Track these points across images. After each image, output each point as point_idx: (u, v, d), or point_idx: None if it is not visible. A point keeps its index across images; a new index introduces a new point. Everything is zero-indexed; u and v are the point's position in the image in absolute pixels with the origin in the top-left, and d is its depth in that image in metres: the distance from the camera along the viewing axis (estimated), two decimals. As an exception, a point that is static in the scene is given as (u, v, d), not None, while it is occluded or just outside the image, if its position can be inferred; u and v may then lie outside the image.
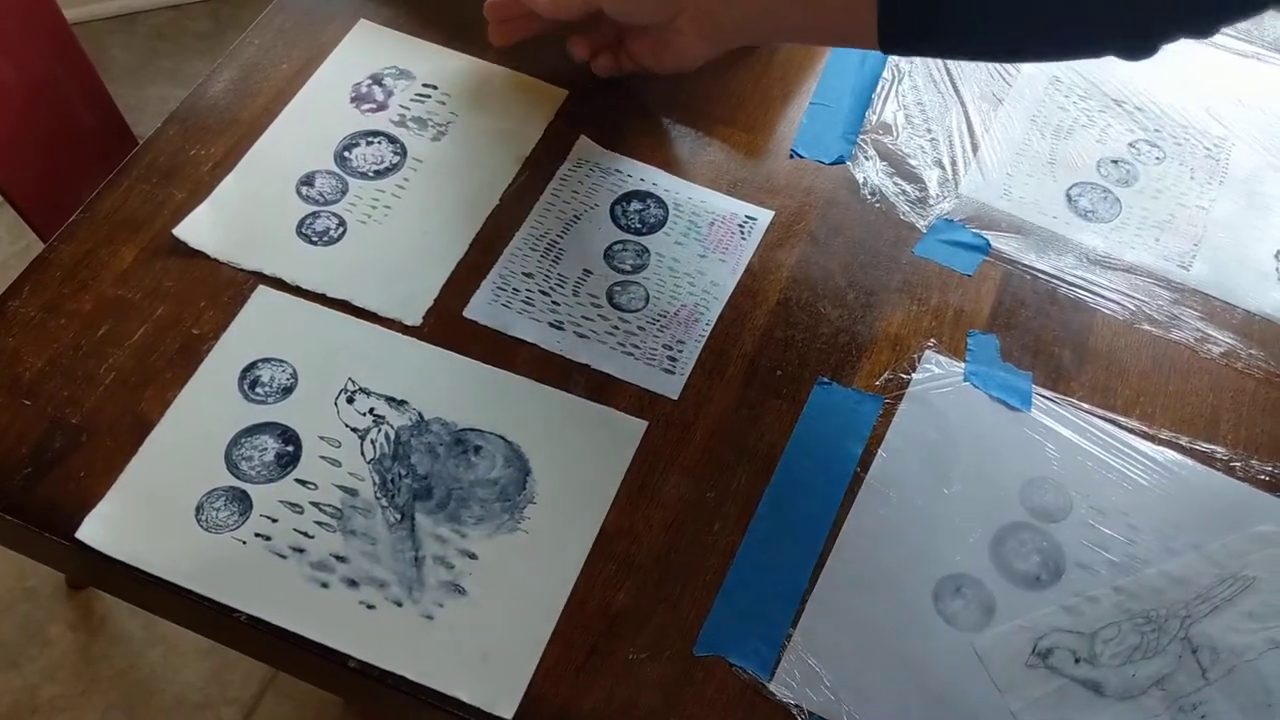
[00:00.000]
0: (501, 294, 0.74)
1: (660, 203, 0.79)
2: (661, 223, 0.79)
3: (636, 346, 0.73)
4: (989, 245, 0.79)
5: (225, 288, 0.73)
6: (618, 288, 0.75)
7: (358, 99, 0.82)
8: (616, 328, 0.74)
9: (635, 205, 0.79)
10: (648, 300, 0.75)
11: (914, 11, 0.69)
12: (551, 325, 0.73)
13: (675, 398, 0.71)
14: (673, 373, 0.72)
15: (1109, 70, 0.90)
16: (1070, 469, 0.70)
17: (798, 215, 0.80)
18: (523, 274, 0.75)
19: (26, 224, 1.04)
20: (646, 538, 0.66)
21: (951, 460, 0.70)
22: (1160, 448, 0.71)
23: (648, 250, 0.77)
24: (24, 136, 1.00)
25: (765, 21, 0.77)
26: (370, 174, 0.79)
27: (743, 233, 0.78)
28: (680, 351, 0.73)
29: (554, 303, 0.74)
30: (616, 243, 0.77)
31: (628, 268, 0.76)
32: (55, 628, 1.40)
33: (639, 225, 0.78)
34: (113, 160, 0.78)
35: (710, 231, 0.78)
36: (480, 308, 0.73)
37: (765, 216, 0.79)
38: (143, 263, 0.73)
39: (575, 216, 0.78)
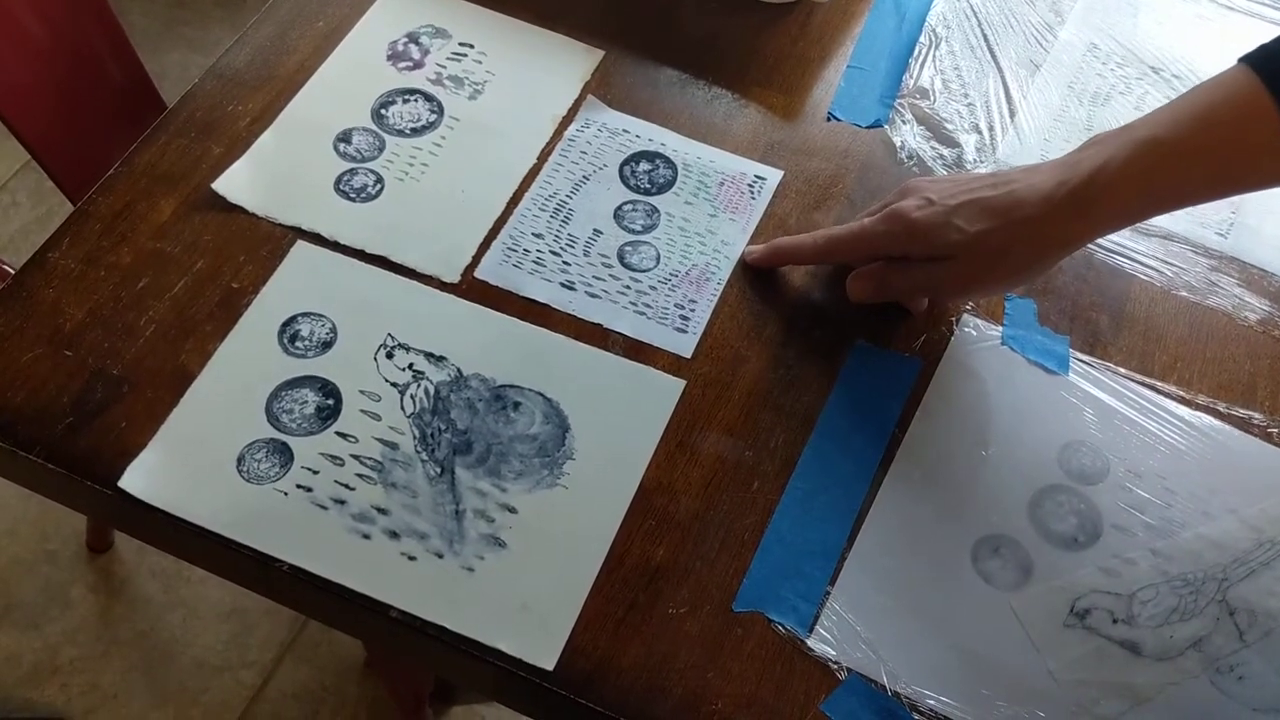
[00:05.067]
0: (512, 254, 0.74)
1: (669, 163, 0.79)
2: (670, 183, 0.78)
3: (649, 306, 0.73)
4: (1026, 210, 0.79)
5: (264, 242, 0.73)
6: (628, 247, 0.75)
7: (394, 57, 0.82)
8: (628, 287, 0.74)
9: (644, 166, 0.79)
10: (658, 260, 0.75)
11: None
12: (563, 285, 0.73)
13: (689, 356, 0.71)
14: (685, 331, 0.72)
15: (1147, 37, 0.89)
16: (1108, 433, 0.70)
17: (835, 178, 0.79)
18: (532, 234, 0.75)
19: (55, 183, 1.04)
20: (685, 495, 0.66)
21: (989, 422, 0.70)
22: (1197, 413, 0.71)
23: (658, 210, 0.77)
24: (54, 96, 1.00)
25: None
26: (407, 131, 0.79)
27: (753, 192, 0.78)
28: (693, 310, 0.73)
29: (565, 263, 0.74)
30: (626, 203, 0.77)
31: (638, 228, 0.76)
32: (76, 590, 1.41)
33: (648, 185, 0.78)
34: (141, 122, 0.78)
35: (720, 191, 0.78)
36: (491, 268, 0.73)
37: (775, 176, 0.79)
38: (181, 216, 0.73)
39: (584, 177, 0.78)
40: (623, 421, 0.68)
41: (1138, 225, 0.79)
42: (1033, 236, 0.64)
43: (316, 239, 0.73)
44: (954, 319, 0.74)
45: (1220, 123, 0.60)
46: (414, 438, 0.66)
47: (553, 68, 0.83)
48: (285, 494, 0.64)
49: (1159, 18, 0.91)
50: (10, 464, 0.66)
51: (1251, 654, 0.63)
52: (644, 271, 0.74)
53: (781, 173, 0.79)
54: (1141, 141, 0.61)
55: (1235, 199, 0.81)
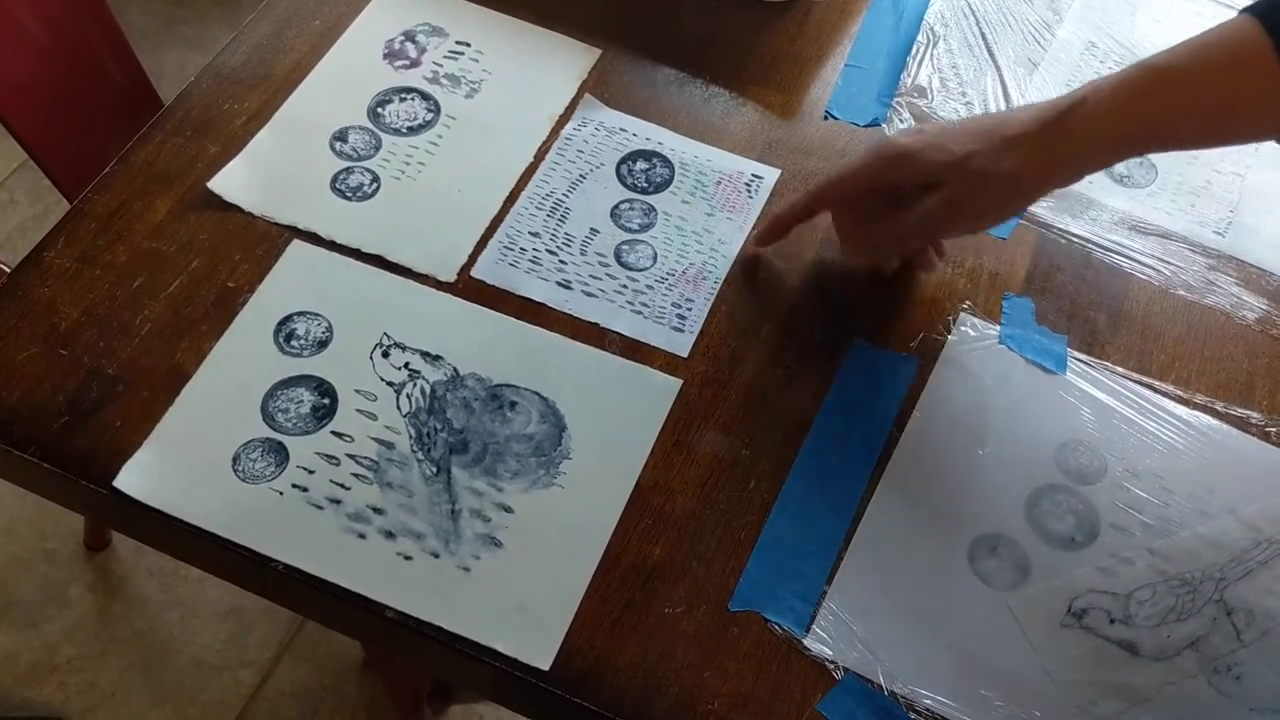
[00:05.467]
0: (509, 253, 0.74)
1: (666, 162, 0.79)
2: (668, 182, 0.78)
3: (645, 305, 0.73)
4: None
5: (259, 241, 0.73)
6: (625, 246, 0.75)
7: (390, 55, 0.82)
8: (625, 286, 0.73)
9: (641, 164, 0.79)
10: (655, 259, 0.75)
11: None
12: (560, 284, 0.73)
13: (685, 355, 0.71)
14: (682, 330, 0.72)
15: (1145, 36, 0.89)
16: (1105, 432, 0.70)
17: (832, 177, 0.79)
18: (529, 233, 0.75)
19: (52, 182, 1.03)
20: (681, 494, 0.66)
21: (986, 421, 0.70)
22: (1195, 412, 0.71)
23: (654, 209, 0.77)
24: (52, 95, 1.00)
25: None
26: (404, 130, 0.78)
27: (750, 191, 0.78)
28: (689, 309, 0.73)
29: (561, 262, 0.74)
30: (623, 202, 0.77)
31: (635, 226, 0.76)
32: (74, 589, 1.41)
33: (645, 184, 0.78)
34: (139, 121, 0.78)
35: (717, 190, 0.78)
36: (488, 267, 0.73)
37: (772, 175, 0.79)
38: (177, 215, 0.73)
39: (581, 176, 0.78)
40: (619, 421, 0.68)
41: (1135, 223, 0.79)
42: (1016, 155, 0.62)
43: (313, 238, 0.73)
44: (951, 318, 0.73)
45: (1217, 63, 0.59)
46: (410, 437, 0.66)
47: (550, 66, 0.83)
48: (281, 493, 0.64)
49: (1157, 16, 0.91)
50: (6, 463, 0.66)
51: (1249, 653, 0.63)
52: (641, 270, 0.74)
53: (779, 171, 0.79)
54: (1135, 68, 0.60)
55: (1234, 197, 0.81)
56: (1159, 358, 0.73)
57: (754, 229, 0.76)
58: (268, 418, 0.66)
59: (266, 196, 0.74)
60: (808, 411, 0.69)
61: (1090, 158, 0.62)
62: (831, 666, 0.61)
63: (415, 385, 0.68)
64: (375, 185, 0.76)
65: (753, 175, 0.79)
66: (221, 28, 1.91)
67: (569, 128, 0.80)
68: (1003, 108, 0.84)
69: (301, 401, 0.67)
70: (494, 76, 0.82)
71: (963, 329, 0.73)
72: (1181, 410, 0.71)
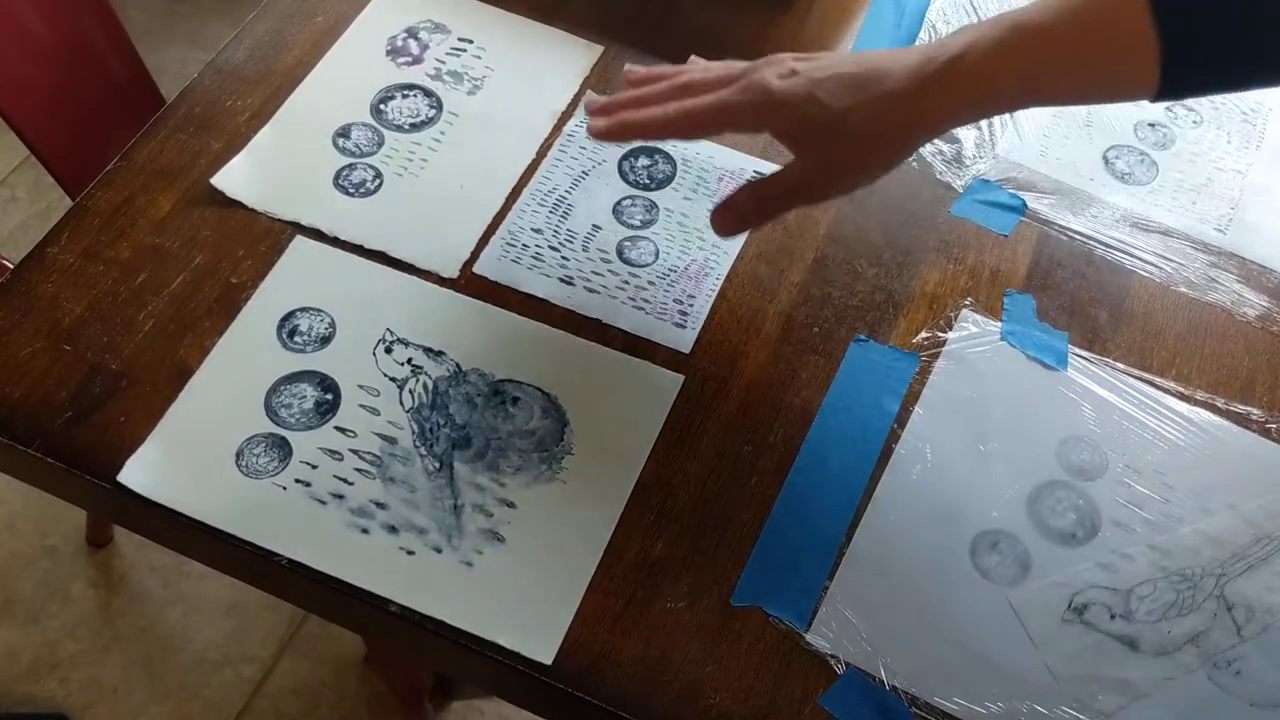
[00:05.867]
0: (511, 250, 0.74)
1: (668, 158, 0.79)
2: (670, 178, 0.78)
3: (647, 301, 0.73)
4: (1025, 206, 0.79)
5: (263, 237, 0.73)
6: (627, 243, 0.75)
7: (393, 52, 0.82)
8: (627, 283, 0.74)
9: (643, 161, 0.79)
10: (657, 255, 0.75)
11: (1206, 51, 0.57)
12: (561, 280, 0.73)
13: (687, 351, 0.71)
14: (684, 327, 0.72)
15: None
16: (1106, 428, 0.70)
17: (834, 173, 0.79)
18: (531, 230, 0.75)
19: (54, 179, 1.04)
20: (683, 490, 0.66)
21: (988, 418, 0.70)
22: (1196, 408, 0.71)
23: (656, 205, 0.77)
24: (54, 92, 1.00)
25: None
26: (406, 127, 0.79)
27: None
28: (691, 306, 0.73)
29: (563, 258, 0.74)
30: (625, 198, 0.77)
31: (637, 223, 0.76)
32: (76, 585, 1.41)
33: (647, 181, 0.78)
34: (140, 118, 0.78)
35: (719, 187, 0.78)
36: (490, 263, 0.73)
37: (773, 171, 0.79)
38: (180, 212, 0.73)
39: (583, 172, 0.78)
40: (621, 416, 0.68)
41: (1137, 220, 0.79)
42: (897, 111, 0.60)
43: (315, 234, 0.73)
44: (953, 315, 0.74)
45: (1090, 9, 0.57)
46: (413, 432, 0.66)
47: (552, 63, 0.83)
48: (284, 488, 0.64)
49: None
50: (9, 459, 0.66)
51: (1249, 649, 0.63)
52: (643, 267, 0.74)
53: (779, 168, 0.79)
54: (1010, 23, 0.59)
55: (1236, 194, 0.81)
56: (1160, 354, 0.74)
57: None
58: (271, 413, 0.66)
59: (269, 193, 0.74)
60: (809, 407, 0.69)
61: (972, 113, 0.62)
62: (833, 661, 0.61)
63: (418, 381, 0.68)
64: (378, 182, 0.76)
65: (755, 172, 0.79)
66: (223, 24, 1.91)
67: (571, 124, 0.80)
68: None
69: (304, 397, 0.67)
70: (496, 73, 0.82)
71: (964, 325, 0.73)
72: (1182, 407, 0.71)
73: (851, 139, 0.60)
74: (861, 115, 0.60)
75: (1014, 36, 0.58)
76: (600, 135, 0.64)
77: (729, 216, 0.66)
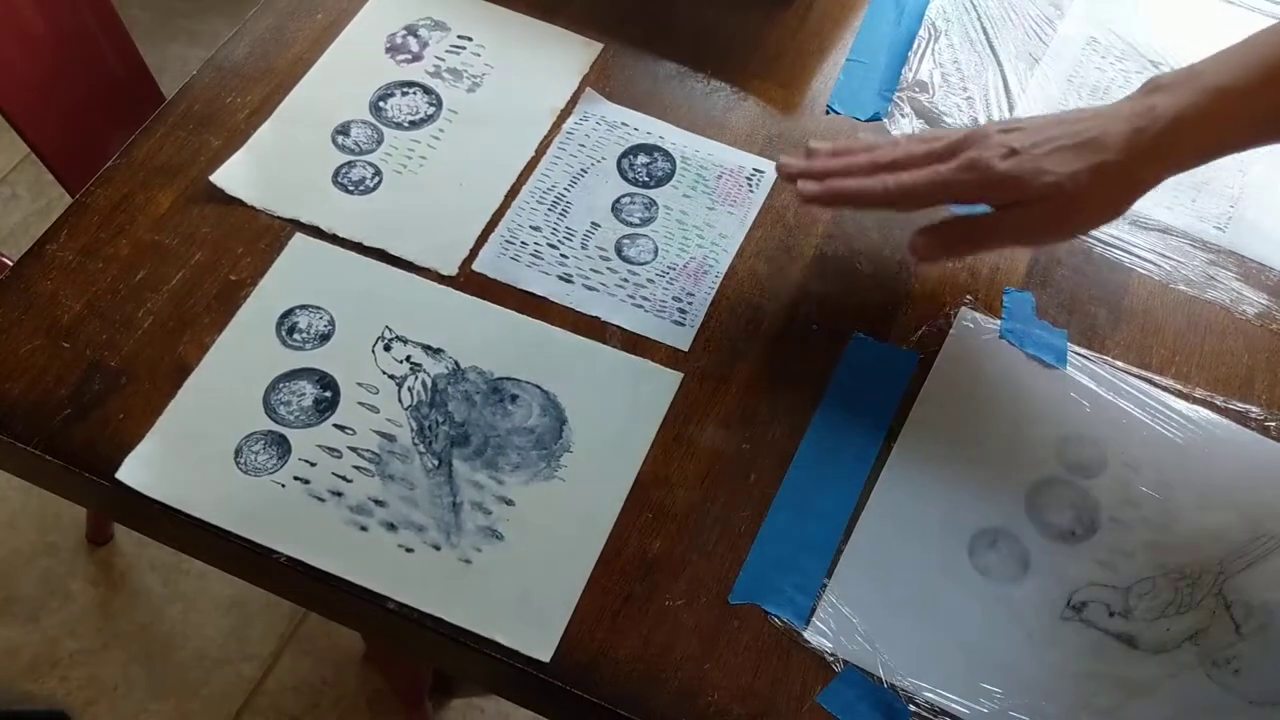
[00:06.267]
0: (510, 247, 0.74)
1: (667, 156, 0.79)
2: (669, 176, 0.78)
3: (646, 299, 0.73)
4: (1025, 204, 0.79)
5: (262, 234, 0.73)
6: (626, 240, 0.75)
7: (393, 49, 0.82)
8: (626, 280, 0.74)
9: (642, 159, 0.79)
10: (656, 253, 0.75)
11: None
12: (561, 278, 0.73)
13: (686, 349, 0.71)
14: (683, 324, 0.72)
15: (1146, 32, 0.89)
16: (1105, 426, 0.70)
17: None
18: (530, 227, 0.75)
19: (54, 177, 1.04)
20: (682, 488, 0.66)
21: (987, 415, 0.70)
22: (1195, 406, 0.71)
23: (655, 203, 0.77)
24: (54, 89, 1.00)
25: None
26: (405, 124, 0.79)
27: (751, 185, 0.78)
28: (690, 303, 0.73)
29: (562, 256, 0.74)
30: (624, 196, 0.77)
31: (636, 220, 0.76)
32: (76, 583, 1.41)
33: (646, 178, 0.78)
34: (140, 115, 0.78)
35: (718, 184, 0.78)
36: (489, 261, 0.73)
37: (773, 169, 0.79)
38: (179, 209, 0.73)
39: (582, 170, 0.78)
40: (620, 414, 0.68)
41: (1136, 219, 0.79)
42: (1119, 180, 0.65)
43: (315, 231, 0.73)
44: (952, 312, 0.74)
45: None
46: (411, 430, 0.66)
47: (551, 61, 0.83)
48: (283, 486, 0.64)
49: (1158, 10, 0.91)
50: (8, 456, 0.66)
51: (1248, 647, 0.63)
52: (642, 264, 0.74)
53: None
54: (1214, 90, 0.63)
55: (1235, 192, 0.81)
56: (1159, 352, 0.74)
57: (754, 224, 0.76)
58: (270, 410, 0.66)
59: (269, 190, 0.74)
60: (808, 405, 0.69)
61: (1179, 171, 0.66)
62: (831, 659, 0.61)
63: (417, 378, 0.68)
64: (377, 179, 0.76)
65: (754, 169, 0.79)
66: (223, 21, 1.91)
67: (570, 122, 0.80)
68: (1003, 104, 0.84)
69: (303, 394, 0.67)
70: (496, 71, 0.82)
71: (963, 323, 0.73)
72: (1181, 404, 0.71)
73: (1079, 199, 0.64)
74: (1087, 179, 0.64)
75: (1218, 106, 0.63)
76: (811, 199, 0.69)
77: (934, 243, 0.69)
